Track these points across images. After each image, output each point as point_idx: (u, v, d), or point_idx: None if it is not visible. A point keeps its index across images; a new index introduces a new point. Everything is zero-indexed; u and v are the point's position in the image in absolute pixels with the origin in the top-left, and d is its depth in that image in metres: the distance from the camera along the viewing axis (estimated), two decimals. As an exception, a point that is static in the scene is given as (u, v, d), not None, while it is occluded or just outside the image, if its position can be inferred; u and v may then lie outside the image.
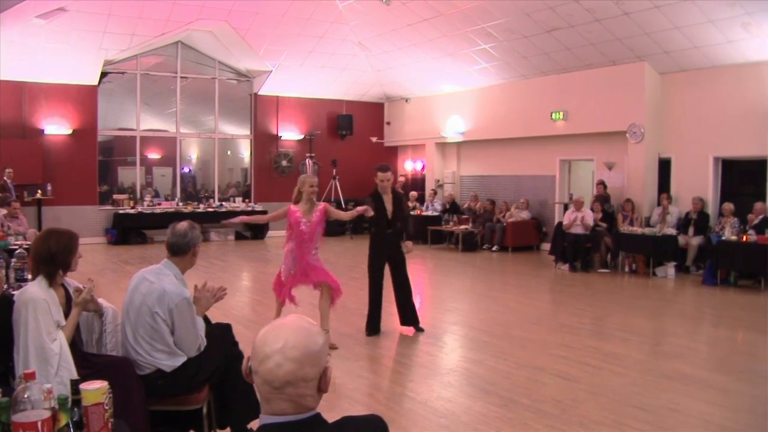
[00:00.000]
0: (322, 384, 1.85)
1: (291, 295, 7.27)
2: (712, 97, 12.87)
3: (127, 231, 16.99)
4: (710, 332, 8.76)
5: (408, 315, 7.99)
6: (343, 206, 17.51)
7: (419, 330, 7.94)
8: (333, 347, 6.99)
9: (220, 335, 4.33)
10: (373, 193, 7.85)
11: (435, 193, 18.90)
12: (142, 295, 3.94)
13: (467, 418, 5.17)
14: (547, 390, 5.82)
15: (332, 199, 18.91)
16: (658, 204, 13.49)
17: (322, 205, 7.26)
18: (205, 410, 4.12)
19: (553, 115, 15.39)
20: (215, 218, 18.14)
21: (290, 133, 19.79)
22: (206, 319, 4.34)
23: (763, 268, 11.07)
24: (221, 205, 18.72)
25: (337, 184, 19.23)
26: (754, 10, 10.81)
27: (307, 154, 19.75)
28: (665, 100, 13.73)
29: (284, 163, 19.63)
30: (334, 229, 18.25)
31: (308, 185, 7.12)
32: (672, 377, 6.21)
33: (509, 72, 16.24)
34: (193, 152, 20.79)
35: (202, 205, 18.55)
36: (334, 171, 19.29)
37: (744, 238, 11.30)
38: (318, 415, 1.86)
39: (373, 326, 7.81)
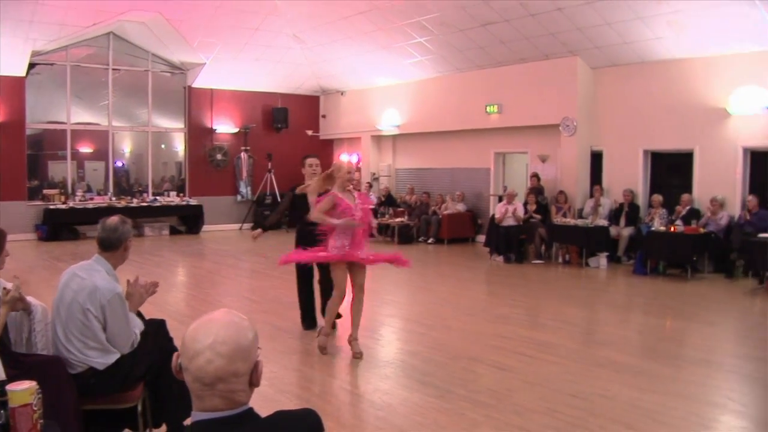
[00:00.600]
0: (253, 378, 1.84)
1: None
2: (642, 92, 13.21)
3: (59, 227, 16.53)
4: (640, 320, 8.99)
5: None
6: (279, 200, 17.39)
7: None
8: (323, 349, 6.78)
9: (155, 331, 4.26)
10: (295, 186, 7.67)
11: (371, 186, 18.90)
12: (73, 292, 3.85)
13: (404, 410, 5.21)
14: (482, 380, 5.90)
15: (267, 193, 18.86)
16: (591, 196, 13.78)
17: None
18: (140, 408, 4.06)
19: (488, 108, 15.57)
20: (149, 213, 17.90)
21: (225, 127, 19.54)
22: (140, 315, 4.27)
23: (689, 257, 11.43)
24: (155, 199, 18.40)
25: (273, 177, 19.13)
26: (680, 8, 11.13)
27: (242, 148, 19.58)
28: (597, 94, 14.03)
29: (219, 156, 19.39)
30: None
31: (345, 171, 6.51)
32: (603, 365, 6.37)
33: (444, 65, 16.36)
34: (126, 146, 20.35)
35: (135, 200, 18.16)
36: (270, 164, 19.18)
37: (672, 229, 11.63)
38: (250, 410, 1.85)
39: (309, 320, 7.77)
